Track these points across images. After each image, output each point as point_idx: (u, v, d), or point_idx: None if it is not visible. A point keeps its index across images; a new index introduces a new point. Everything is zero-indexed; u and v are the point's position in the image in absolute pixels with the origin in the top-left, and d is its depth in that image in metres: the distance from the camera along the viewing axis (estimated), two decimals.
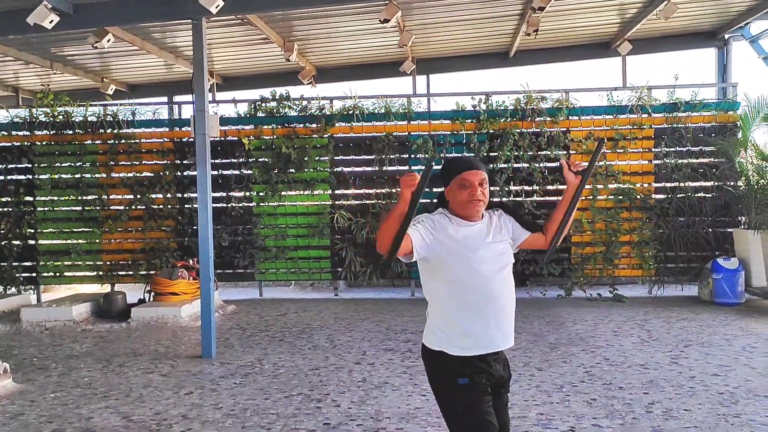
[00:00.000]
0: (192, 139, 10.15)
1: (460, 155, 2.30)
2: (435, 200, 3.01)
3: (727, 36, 10.44)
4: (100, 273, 10.41)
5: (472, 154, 9.65)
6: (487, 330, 2.78)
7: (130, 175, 10.27)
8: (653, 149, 9.85)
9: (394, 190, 10.04)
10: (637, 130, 9.79)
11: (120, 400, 5.12)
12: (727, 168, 9.33)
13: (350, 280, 10.23)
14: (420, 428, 4.36)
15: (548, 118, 9.80)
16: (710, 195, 9.74)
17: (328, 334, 7.50)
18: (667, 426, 4.33)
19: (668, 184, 9.82)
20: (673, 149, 9.76)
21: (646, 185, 9.87)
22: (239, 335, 7.52)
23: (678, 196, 9.72)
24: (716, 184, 9.70)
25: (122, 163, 10.30)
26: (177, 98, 11.66)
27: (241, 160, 10.21)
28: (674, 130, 9.77)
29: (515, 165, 9.87)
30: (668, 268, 9.89)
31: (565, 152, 9.82)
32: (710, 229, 9.78)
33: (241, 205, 10.23)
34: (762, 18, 9.71)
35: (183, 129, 10.32)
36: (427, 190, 2.46)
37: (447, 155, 9.67)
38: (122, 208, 10.27)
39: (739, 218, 9.71)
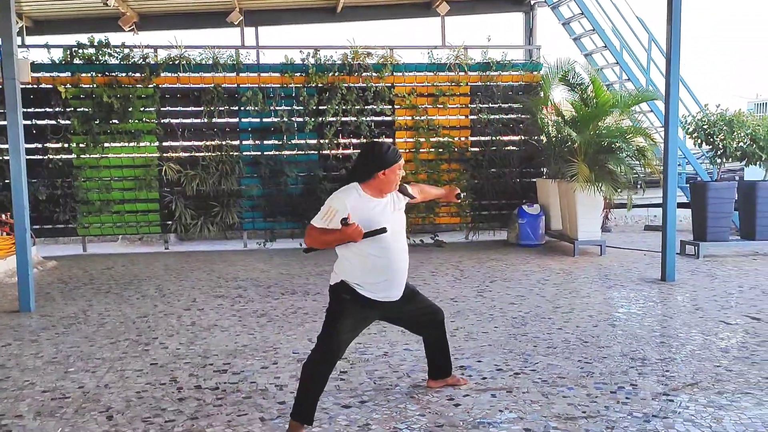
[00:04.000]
0: None
1: (392, 146, 2.90)
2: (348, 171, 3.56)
3: (533, 2, 11.41)
4: None
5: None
6: (388, 287, 3.46)
7: None
8: (469, 105, 10.62)
9: (224, 143, 10.02)
10: (455, 87, 10.50)
11: None
12: (531, 123, 10.30)
13: (181, 233, 10.13)
14: (246, 362, 4.62)
15: (374, 74, 10.23)
16: (517, 148, 10.74)
17: (158, 284, 7.49)
18: (466, 345, 4.94)
19: (482, 138, 10.68)
20: (486, 105, 10.60)
21: (463, 139, 10.67)
22: (61, 289, 7.29)
23: (491, 149, 10.63)
24: (522, 138, 10.70)
25: None
26: None
27: (57, 109, 9.64)
28: (487, 88, 10.60)
29: (343, 118, 10.23)
30: (482, 215, 10.83)
31: (390, 107, 10.32)
32: (518, 179, 10.82)
33: (59, 157, 9.71)
34: None
35: None
36: None
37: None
38: None
39: (542, 169, 10.83)
